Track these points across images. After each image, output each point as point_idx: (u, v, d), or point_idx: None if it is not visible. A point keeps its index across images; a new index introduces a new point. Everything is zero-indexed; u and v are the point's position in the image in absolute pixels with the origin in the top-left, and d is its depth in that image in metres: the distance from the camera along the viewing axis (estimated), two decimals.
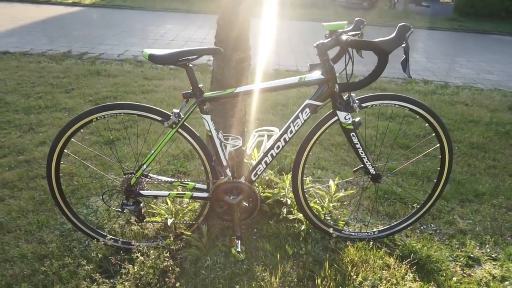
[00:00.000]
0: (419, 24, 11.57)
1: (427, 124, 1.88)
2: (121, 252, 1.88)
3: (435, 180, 2.04)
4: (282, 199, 2.20)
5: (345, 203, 2.43)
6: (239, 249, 1.81)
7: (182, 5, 11.75)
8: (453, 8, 14.73)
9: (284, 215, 2.16)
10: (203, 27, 8.81)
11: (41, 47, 6.19)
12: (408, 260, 1.94)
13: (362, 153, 1.85)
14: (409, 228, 2.23)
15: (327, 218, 2.17)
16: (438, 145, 1.93)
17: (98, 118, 1.71)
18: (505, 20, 13.09)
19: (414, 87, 5.32)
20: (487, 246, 2.16)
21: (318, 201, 2.23)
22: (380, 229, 2.14)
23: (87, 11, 10.42)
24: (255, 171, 1.84)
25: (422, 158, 3.02)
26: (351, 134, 1.79)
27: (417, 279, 1.88)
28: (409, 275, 1.86)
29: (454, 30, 11.36)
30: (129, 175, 1.82)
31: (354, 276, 1.82)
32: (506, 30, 11.45)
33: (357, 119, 1.77)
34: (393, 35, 1.43)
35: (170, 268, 1.76)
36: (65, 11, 10.06)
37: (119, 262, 1.78)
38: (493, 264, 2.03)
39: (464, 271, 1.98)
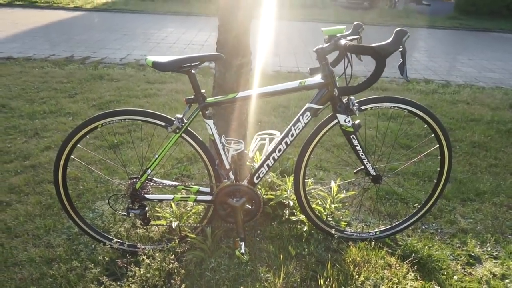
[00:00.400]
0: (420, 23, 11.58)
1: (426, 125, 1.91)
2: (127, 255, 1.92)
3: (435, 180, 2.07)
4: (284, 201, 2.23)
5: (346, 204, 2.46)
6: (243, 251, 1.85)
7: (183, 8, 11.80)
8: (454, 6, 14.71)
9: (287, 216, 2.19)
10: (204, 30, 8.85)
11: (44, 52, 6.24)
12: (410, 259, 1.97)
13: (362, 155, 1.88)
14: (410, 228, 2.26)
15: (329, 219, 2.20)
16: (438, 145, 1.96)
17: (104, 124, 1.75)
18: (506, 17, 13.06)
19: (416, 87, 5.34)
20: (488, 244, 2.18)
21: (320, 203, 2.26)
22: (381, 229, 2.17)
23: (88, 15, 10.49)
24: (257, 174, 1.88)
25: (424, 158, 3.05)
26: (351, 136, 1.82)
27: (418, 278, 1.90)
28: (410, 274, 1.89)
29: (455, 28, 11.35)
30: (134, 180, 1.86)
31: (356, 276, 1.85)
32: (507, 28, 11.43)
33: (356, 122, 1.80)
34: (390, 39, 1.46)
35: (176, 270, 1.80)
36: (66, 15, 10.12)
37: (125, 265, 1.81)
38: (494, 263, 2.06)
39: (465, 270, 2.00)
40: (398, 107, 1.84)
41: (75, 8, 11.24)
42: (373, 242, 2.04)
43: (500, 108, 4.57)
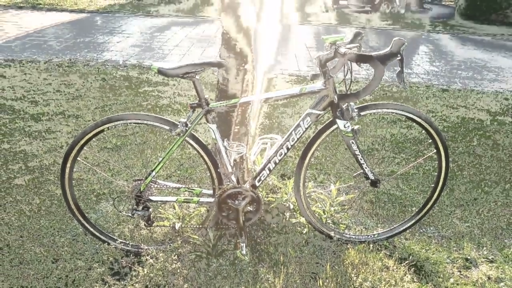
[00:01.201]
0: (421, 27, 11.62)
1: (423, 131, 1.95)
2: (131, 255, 1.96)
3: (433, 185, 2.11)
4: (285, 203, 2.27)
5: (346, 207, 2.50)
6: (244, 252, 1.89)
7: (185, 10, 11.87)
8: (455, 10, 14.76)
9: (287, 219, 2.23)
10: (206, 32, 8.91)
11: (47, 54, 6.30)
12: (407, 262, 2.01)
13: (361, 159, 1.92)
14: (408, 231, 2.30)
15: (329, 221, 2.24)
16: (435, 151, 2.01)
17: (110, 128, 1.80)
18: (507, 22, 13.10)
19: (416, 91, 5.38)
20: (484, 248, 2.22)
21: (319, 205, 2.31)
22: (380, 232, 2.21)
23: (91, 17, 10.56)
24: (259, 177, 1.92)
25: (423, 162, 3.08)
26: (351, 141, 1.86)
27: (415, 280, 1.94)
28: (407, 277, 1.93)
29: (456, 32, 11.40)
30: (139, 182, 1.90)
31: (355, 278, 1.89)
32: (508, 33, 11.47)
33: (356, 127, 1.85)
34: (388, 48, 1.51)
35: (178, 270, 1.84)
36: (69, 18, 10.19)
37: (129, 265, 1.86)
38: (490, 266, 2.10)
39: (461, 273, 2.04)
40: (396, 113, 1.88)
41: (78, 10, 11.30)
42: (372, 245, 2.08)
43: (500, 113, 4.61)
